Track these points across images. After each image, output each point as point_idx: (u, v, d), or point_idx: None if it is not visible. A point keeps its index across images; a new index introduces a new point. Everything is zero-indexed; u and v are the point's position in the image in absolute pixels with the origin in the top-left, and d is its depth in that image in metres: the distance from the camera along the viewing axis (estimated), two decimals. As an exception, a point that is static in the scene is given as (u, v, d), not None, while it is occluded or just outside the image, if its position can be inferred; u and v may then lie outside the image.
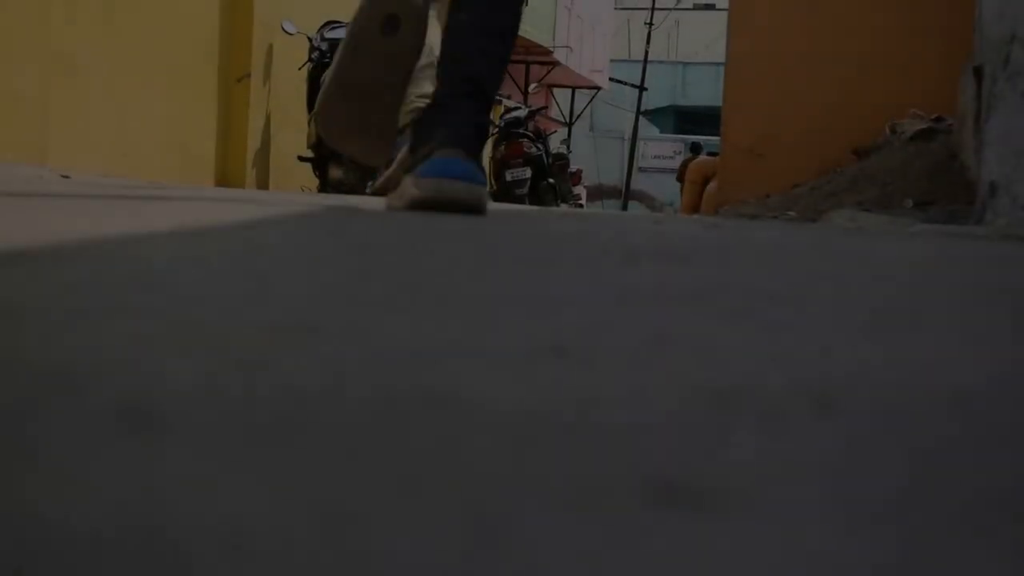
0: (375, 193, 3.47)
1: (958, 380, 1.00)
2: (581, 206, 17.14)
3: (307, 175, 9.33)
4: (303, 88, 9.46)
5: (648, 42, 28.85)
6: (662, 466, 0.66)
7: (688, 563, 0.51)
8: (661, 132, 37.99)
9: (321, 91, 3.29)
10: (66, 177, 5.05)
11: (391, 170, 3.07)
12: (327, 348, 0.96)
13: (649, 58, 29.37)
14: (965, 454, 0.74)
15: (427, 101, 3.03)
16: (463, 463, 0.64)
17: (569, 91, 27.94)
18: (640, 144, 29.08)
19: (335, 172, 8.48)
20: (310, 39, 9.25)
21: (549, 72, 24.33)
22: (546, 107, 21.00)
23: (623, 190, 27.61)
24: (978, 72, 4.86)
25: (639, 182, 29.55)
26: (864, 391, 0.91)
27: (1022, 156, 4.19)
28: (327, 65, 8.73)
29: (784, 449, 0.71)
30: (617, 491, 0.60)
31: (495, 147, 12.55)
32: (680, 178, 18.77)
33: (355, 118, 3.19)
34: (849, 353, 1.12)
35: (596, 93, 28.36)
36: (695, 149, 20.34)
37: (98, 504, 0.54)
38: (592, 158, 28.41)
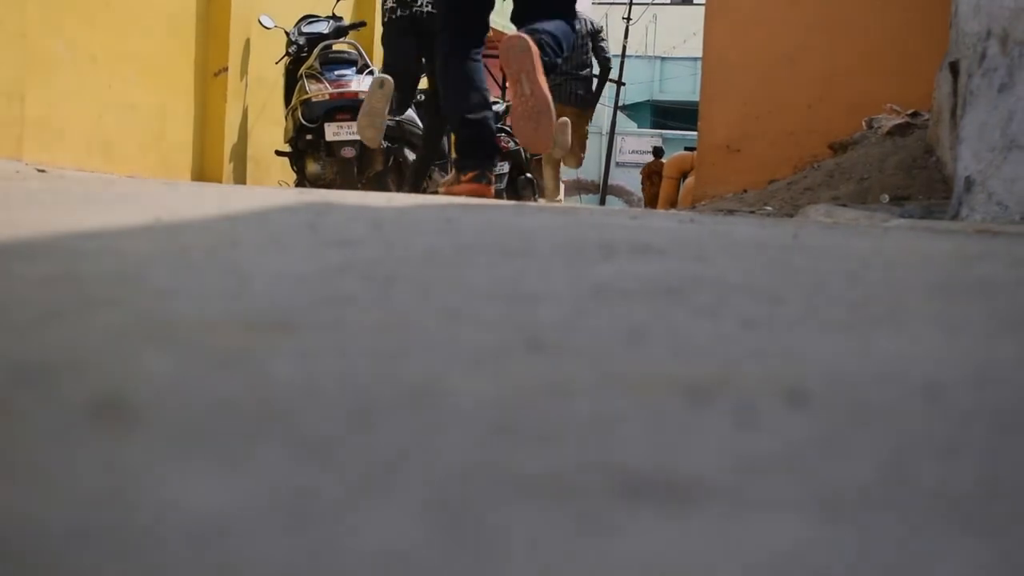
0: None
1: (932, 374, 1.00)
2: (559, 201, 17.14)
3: (285, 170, 9.30)
4: (280, 82, 9.42)
5: (626, 37, 28.83)
6: (634, 458, 0.66)
7: (657, 556, 0.51)
8: (639, 127, 37.98)
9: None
10: (42, 171, 5.03)
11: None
12: (302, 342, 0.96)
13: (626, 53, 29.36)
14: (938, 447, 0.74)
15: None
16: (435, 455, 0.64)
17: (547, 86, 27.87)
18: (617, 139, 29.07)
19: (313, 167, 8.45)
20: (287, 33, 9.21)
21: (527, 67, 24.27)
22: (524, 102, 20.87)
23: (601, 185, 27.60)
24: (954, 68, 4.88)
25: (617, 177, 29.55)
26: (838, 385, 0.92)
27: (997, 152, 4.20)
28: (304, 59, 8.73)
29: (758, 442, 0.72)
30: (589, 483, 0.60)
31: (473, 142, 12.52)
32: (643, 181, 18.82)
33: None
34: (824, 347, 1.12)
35: (573, 88, 28.23)
36: (657, 153, 20.35)
37: (72, 497, 0.54)
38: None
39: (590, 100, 10.76)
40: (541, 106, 4.53)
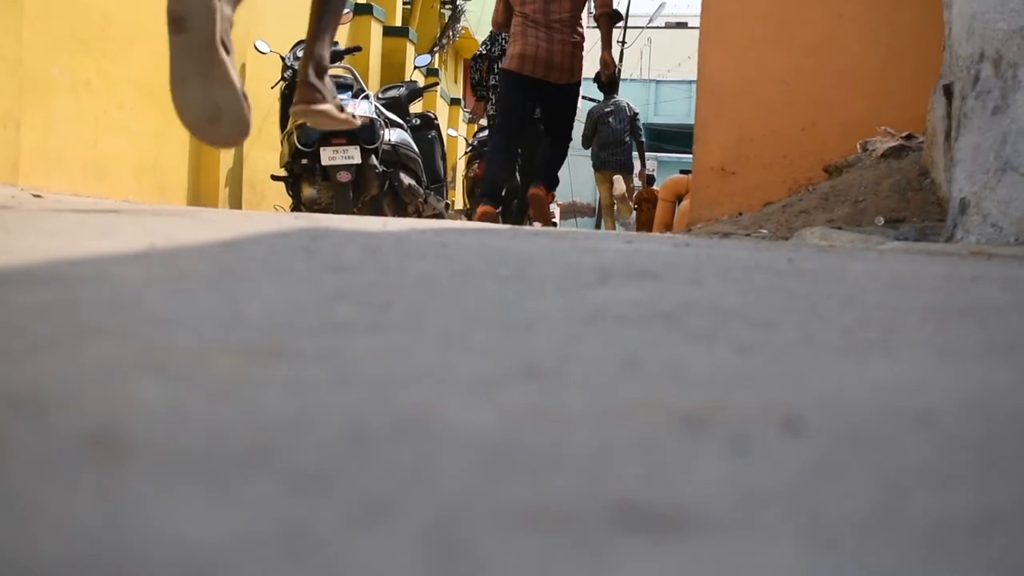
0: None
1: (928, 400, 1.00)
2: (554, 224, 17.19)
3: (280, 194, 9.31)
4: (276, 107, 9.44)
5: (621, 60, 28.93)
6: (631, 489, 0.66)
7: (655, 588, 0.51)
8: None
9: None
10: (38, 197, 5.03)
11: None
12: (298, 371, 0.96)
13: (621, 76, 29.44)
14: (933, 475, 0.74)
15: None
16: (432, 487, 0.64)
17: (542, 110, 27.89)
18: (613, 162, 29.09)
19: (308, 191, 8.46)
20: (283, 58, 9.23)
21: (522, 91, 24.31)
22: (519, 126, 20.99)
23: (596, 208, 27.62)
24: (948, 90, 4.89)
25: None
26: (833, 412, 0.92)
27: (992, 174, 4.22)
28: (299, 84, 8.75)
29: (753, 471, 0.72)
30: (585, 514, 0.60)
31: (468, 165, 12.56)
32: (636, 206, 18.99)
33: None
34: (819, 374, 1.12)
35: (569, 111, 28.19)
36: (649, 180, 20.52)
37: (62, 530, 0.54)
38: (565, 176, 28.47)
39: (630, 166, 15.63)
40: (548, 221, 8.38)
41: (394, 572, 0.51)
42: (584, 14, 8.46)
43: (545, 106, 8.48)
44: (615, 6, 8.52)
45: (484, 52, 11.11)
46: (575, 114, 8.66)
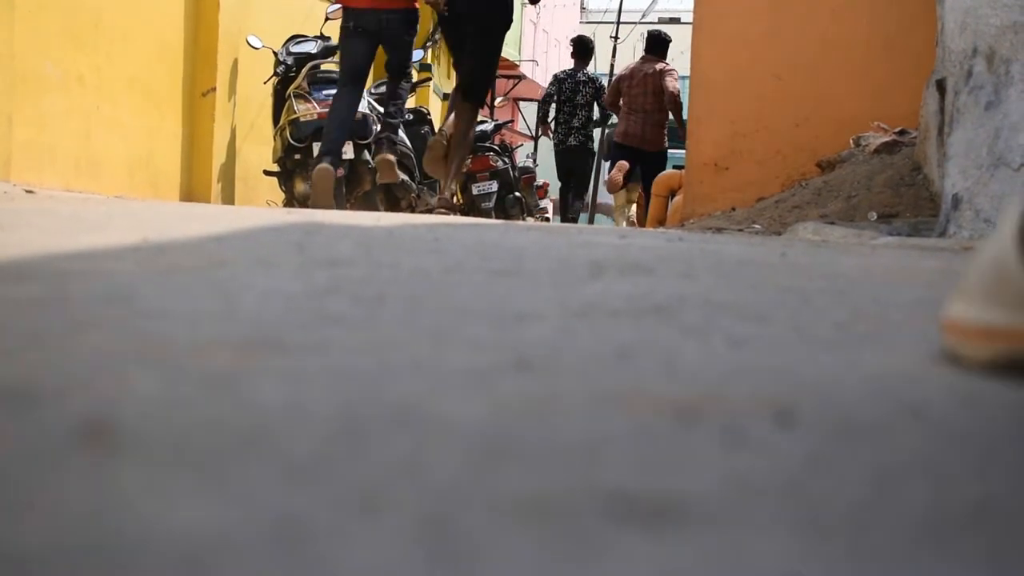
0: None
1: (920, 394, 1.01)
2: (547, 219, 17.17)
3: (273, 189, 9.30)
4: (268, 102, 9.42)
5: (614, 56, 28.91)
6: (623, 480, 0.66)
7: (648, 577, 0.51)
8: (627, 145, 37.95)
9: None
10: (30, 192, 5.02)
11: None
12: (291, 364, 0.96)
13: (614, 72, 29.40)
14: (924, 468, 0.74)
15: None
16: (425, 478, 0.64)
17: (535, 104, 27.91)
18: (606, 158, 29.08)
19: (301, 186, 8.44)
20: (275, 53, 9.22)
21: (515, 86, 24.34)
22: (512, 121, 21.04)
23: (589, 203, 27.61)
24: (941, 85, 4.89)
25: (605, 195, 29.58)
26: (825, 404, 0.92)
27: (985, 169, 4.22)
28: (292, 79, 8.74)
29: (746, 462, 0.72)
30: (577, 505, 0.60)
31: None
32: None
33: None
34: (811, 367, 1.12)
35: (562, 107, 28.22)
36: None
37: (54, 521, 0.54)
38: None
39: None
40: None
41: (387, 560, 0.51)
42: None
43: (642, 166, 12.14)
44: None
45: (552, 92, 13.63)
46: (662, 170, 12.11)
